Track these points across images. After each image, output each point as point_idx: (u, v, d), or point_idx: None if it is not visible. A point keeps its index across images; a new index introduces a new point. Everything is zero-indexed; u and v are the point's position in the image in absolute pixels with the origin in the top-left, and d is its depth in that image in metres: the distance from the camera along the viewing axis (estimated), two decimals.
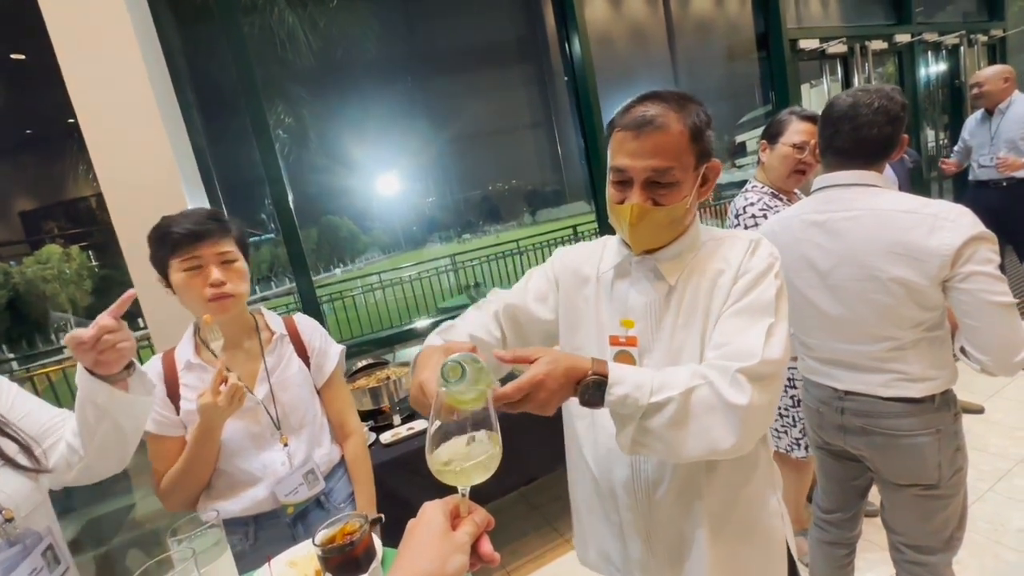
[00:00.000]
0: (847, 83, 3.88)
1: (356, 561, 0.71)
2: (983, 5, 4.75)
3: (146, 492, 2.95)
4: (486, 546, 0.51)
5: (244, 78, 2.02)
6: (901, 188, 2.35)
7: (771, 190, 1.73)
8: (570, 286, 0.95)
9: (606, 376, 0.71)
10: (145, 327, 1.65)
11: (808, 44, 3.46)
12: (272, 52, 3.57)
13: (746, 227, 1.67)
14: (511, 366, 0.74)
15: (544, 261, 1.03)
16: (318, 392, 1.28)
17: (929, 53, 4.35)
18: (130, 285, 1.55)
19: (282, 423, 1.18)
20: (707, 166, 0.83)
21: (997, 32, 4.64)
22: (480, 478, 0.54)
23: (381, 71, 3.94)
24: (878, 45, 3.86)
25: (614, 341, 0.88)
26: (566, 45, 2.76)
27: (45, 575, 0.82)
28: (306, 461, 1.19)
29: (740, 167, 6.91)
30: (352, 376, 2.11)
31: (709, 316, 0.82)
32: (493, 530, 0.52)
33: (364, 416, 1.96)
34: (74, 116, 1.56)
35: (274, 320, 1.26)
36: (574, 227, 6.28)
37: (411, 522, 0.51)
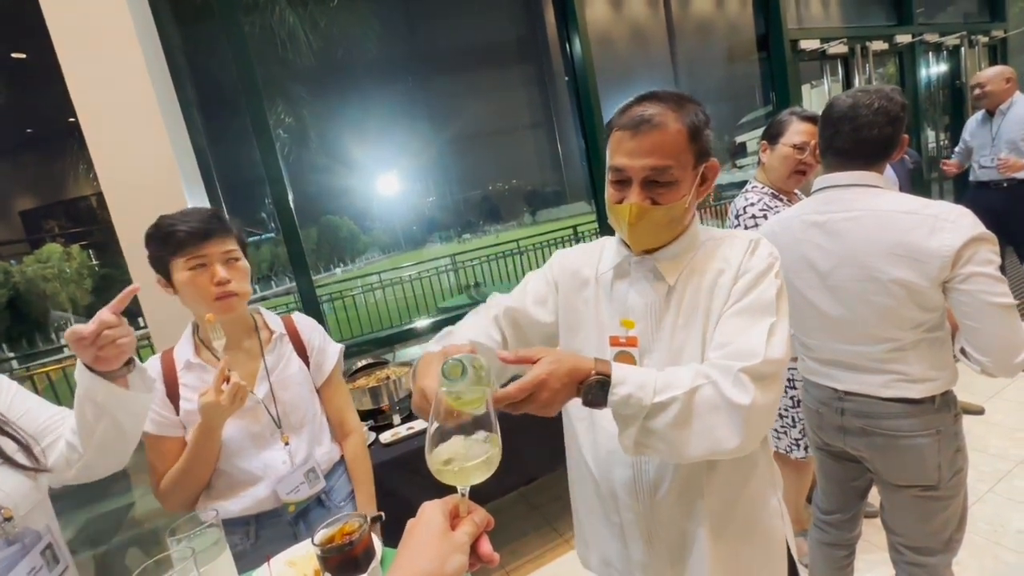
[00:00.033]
0: (848, 84, 3.88)
1: (355, 561, 0.71)
2: (984, 6, 4.75)
3: (145, 491, 2.94)
4: (485, 546, 0.51)
5: (245, 77, 2.02)
6: (902, 189, 2.35)
7: (771, 191, 1.73)
8: (569, 288, 0.95)
9: (609, 376, 0.70)
10: (145, 326, 1.65)
11: (809, 45, 3.46)
12: (273, 51, 3.57)
13: (746, 227, 1.67)
14: (515, 370, 0.74)
15: (544, 261, 1.03)
16: (317, 391, 1.28)
17: (930, 54, 4.35)
18: (130, 284, 1.55)
19: (283, 422, 1.18)
20: (706, 165, 0.83)
21: (998, 33, 4.64)
22: (480, 478, 0.54)
23: (382, 71, 3.94)
24: (879, 46, 3.86)
25: (614, 342, 0.88)
26: (567, 45, 2.76)
27: (44, 574, 0.82)
28: (307, 460, 1.19)
29: (741, 167, 6.91)
30: (352, 376, 2.11)
31: (710, 316, 0.82)
32: (492, 530, 0.52)
33: (364, 416, 1.96)
34: (74, 115, 1.56)
35: (273, 319, 1.27)
36: (574, 227, 6.29)
37: (410, 522, 0.51)
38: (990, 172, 3.00)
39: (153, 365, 1.15)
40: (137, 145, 1.63)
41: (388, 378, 1.99)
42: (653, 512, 0.87)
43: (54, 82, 1.57)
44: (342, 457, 1.30)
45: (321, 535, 0.72)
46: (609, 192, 0.85)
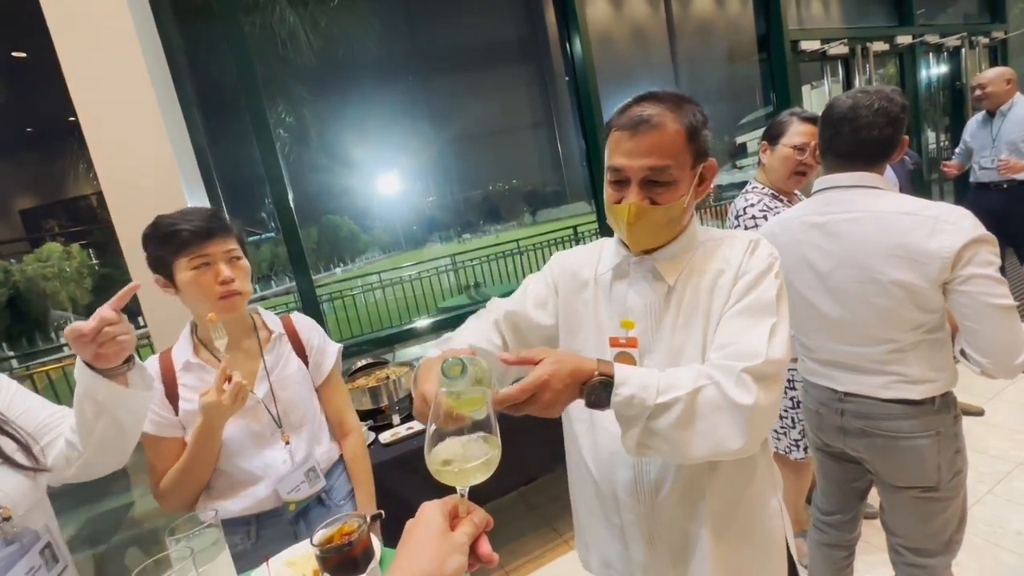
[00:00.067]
0: (848, 84, 3.88)
1: (354, 561, 0.71)
2: (984, 7, 4.74)
3: (145, 491, 2.94)
4: (484, 546, 0.51)
5: (245, 77, 2.02)
6: (902, 190, 2.35)
7: (771, 191, 1.73)
8: (569, 290, 0.95)
9: (612, 377, 0.70)
10: (145, 326, 1.65)
11: (809, 45, 3.46)
12: (273, 51, 3.57)
13: (746, 228, 1.67)
14: (516, 375, 0.74)
15: (544, 261, 1.03)
16: (316, 391, 1.28)
17: (930, 55, 4.34)
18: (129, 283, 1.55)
19: (283, 421, 1.18)
20: (704, 165, 0.83)
21: (998, 34, 4.63)
22: (479, 479, 0.54)
23: (382, 70, 3.93)
24: (879, 46, 3.85)
25: (614, 342, 0.88)
26: (567, 45, 2.76)
27: (43, 573, 0.82)
28: (307, 459, 1.19)
29: (741, 168, 6.91)
30: (352, 375, 2.11)
31: (710, 316, 0.82)
32: (492, 530, 0.52)
33: (363, 416, 1.96)
34: (75, 114, 1.56)
35: (271, 319, 1.27)
36: (574, 227, 6.29)
37: (409, 522, 0.51)
38: (990, 173, 3.00)
39: (151, 366, 1.15)
40: (137, 144, 1.63)
41: (388, 378, 1.99)
42: (655, 513, 0.87)
43: (54, 81, 1.57)
44: (341, 456, 1.30)
45: (320, 535, 0.72)
46: (608, 192, 0.85)
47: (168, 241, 1.06)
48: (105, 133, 1.60)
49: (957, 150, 3.27)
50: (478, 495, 0.53)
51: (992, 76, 2.90)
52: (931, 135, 4.68)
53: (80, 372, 0.85)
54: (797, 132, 1.65)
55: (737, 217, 1.73)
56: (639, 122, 0.77)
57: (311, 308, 2.22)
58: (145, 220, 1.11)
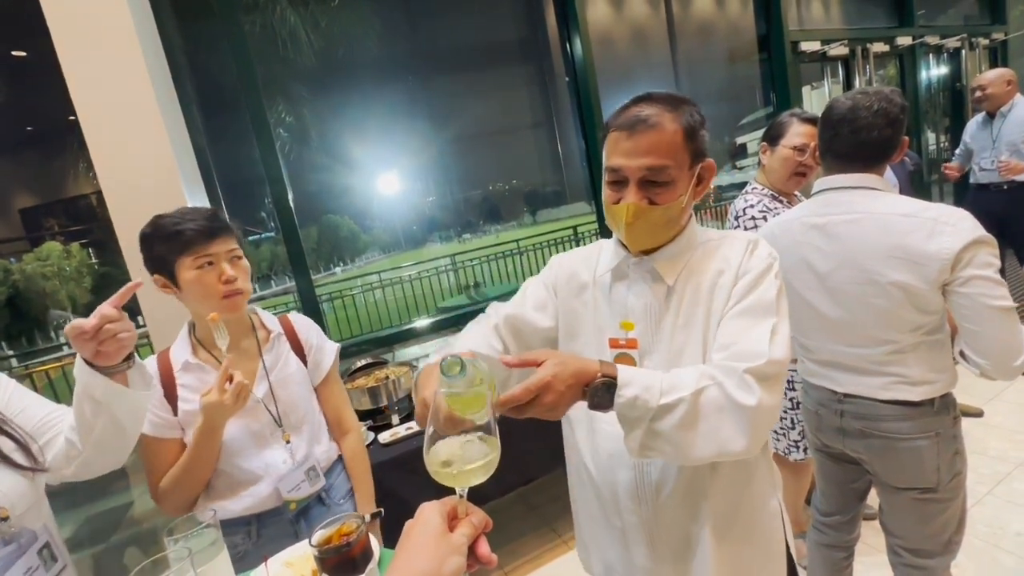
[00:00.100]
0: (848, 85, 3.87)
1: (353, 562, 0.71)
2: (984, 8, 4.74)
3: (144, 490, 2.93)
4: (483, 547, 0.51)
5: (245, 76, 2.02)
6: (902, 191, 2.35)
7: (771, 192, 1.73)
8: (568, 292, 0.95)
9: (615, 378, 0.70)
10: (144, 326, 1.64)
11: (809, 46, 3.46)
12: (273, 51, 3.57)
13: (746, 229, 1.67)
14: (517, 380, 0.74)
15: (544, 262, 1.03)
16: (315, 390, 1.28)
17: (930, 56, 4.35)
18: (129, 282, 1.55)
19: (283, 421, 1.18)
20: (702, 165, 0.83)
21: (999, 35, 4.63)
22: (478, 480, 0.53)
23: (382, 70, 3.93)
24: (879, 47, 3.85)
25: (614, 344, 0.88)
26: (567, 45, 2.76)
27: (41, 573, 0.82)
28: (307, 458, 1.19)
29: (741, 169, 6.90)
30: (351, 375, 2.10)
31: (710, 317, 0.82)
32: (491, 531, 0.52)
33: (363, 416, 1.96)
34: (74, 114, 1.56)
35: (269, 319, 1.27)
36: (574, 227, 6.30)
37: (408, 523, 0.51)
38: (990, 174, 3.00)
39: (149, 366, 1.14)
40: (137, 144, 1.63)
41: (387, 378, 1.99)
42: (656, 515, 0.87)
43: (54, 81, 1.56)
44: (340, 455, 1.30)
45: (319, 536, 0.72)
46: (606, 193, 0.85)
47: (172, 240, 1.06)
48: (105, 132, 1.60)
49: (957, 151, 3.27)
50: (477, 495, 0.53)
51: (992, 77, 2.90)
52: (931, 136, 4.68)
53: (80, 370, 0.85)
54: (797, 133, 1.65)
55: (737, 218, 1.73)
56: (637, 122, 0.77)
57: (311, 308, 2.22)
58: (144, 219, 1.11)
